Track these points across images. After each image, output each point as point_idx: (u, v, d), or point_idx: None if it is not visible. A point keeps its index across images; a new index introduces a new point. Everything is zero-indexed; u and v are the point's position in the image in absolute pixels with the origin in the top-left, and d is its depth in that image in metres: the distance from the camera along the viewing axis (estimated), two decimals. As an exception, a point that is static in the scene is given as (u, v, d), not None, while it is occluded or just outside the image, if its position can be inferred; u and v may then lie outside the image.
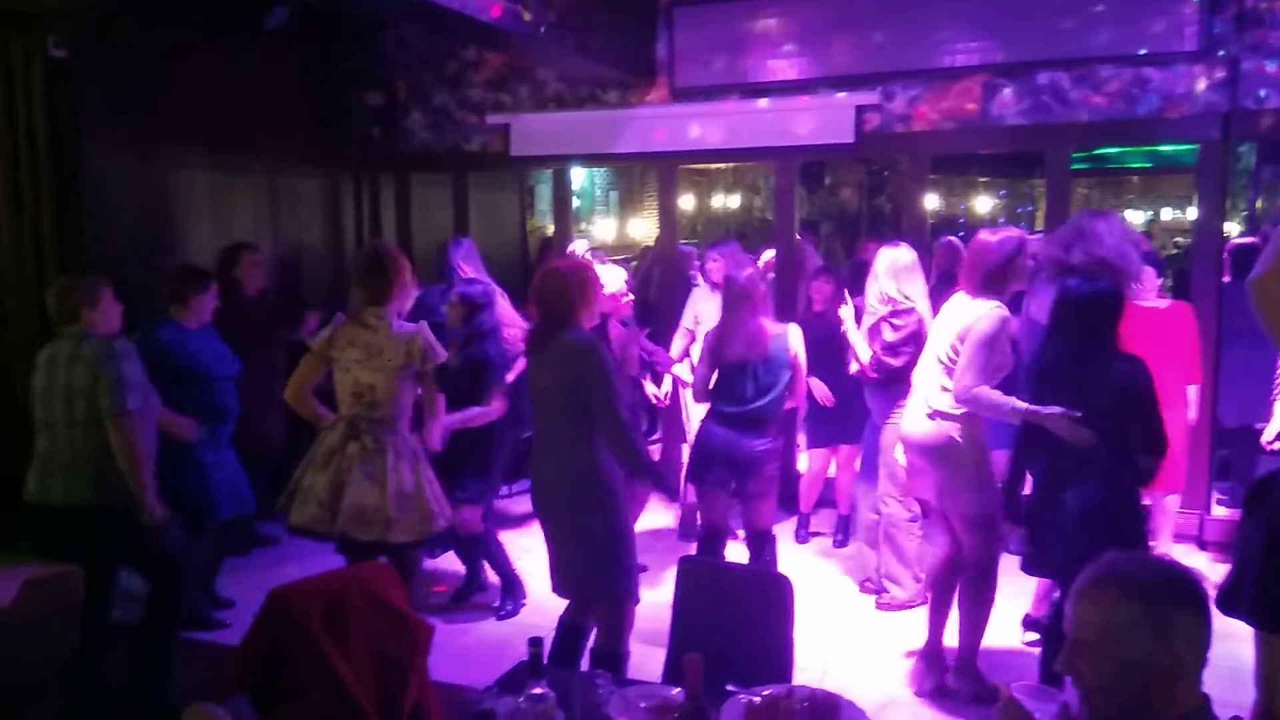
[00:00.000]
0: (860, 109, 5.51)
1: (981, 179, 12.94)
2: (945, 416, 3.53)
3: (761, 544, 4.06)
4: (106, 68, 4.90)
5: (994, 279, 3.52)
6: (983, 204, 13.17)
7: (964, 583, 3.60)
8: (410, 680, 2.31)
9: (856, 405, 4.64)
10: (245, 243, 5.18)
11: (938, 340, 3.64)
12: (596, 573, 3.12)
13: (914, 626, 4.09)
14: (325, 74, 6.38)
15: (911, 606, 4.36)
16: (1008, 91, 5.29)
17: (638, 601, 3.23)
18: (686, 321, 5.32)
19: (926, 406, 3.60)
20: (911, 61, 5.41)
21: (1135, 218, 12.48)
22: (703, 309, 5.20)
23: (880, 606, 4.48)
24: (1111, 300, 3.15)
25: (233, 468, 4.22)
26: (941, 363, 3.58)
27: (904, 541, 4.40)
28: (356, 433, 3.43)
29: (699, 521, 4.24)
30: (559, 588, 3.25)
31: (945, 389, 3.53)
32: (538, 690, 1.87)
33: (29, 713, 2.83)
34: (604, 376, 3.02)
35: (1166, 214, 12.84)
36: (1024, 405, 3.22)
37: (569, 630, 3.23)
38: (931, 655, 3.72)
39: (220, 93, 5.53)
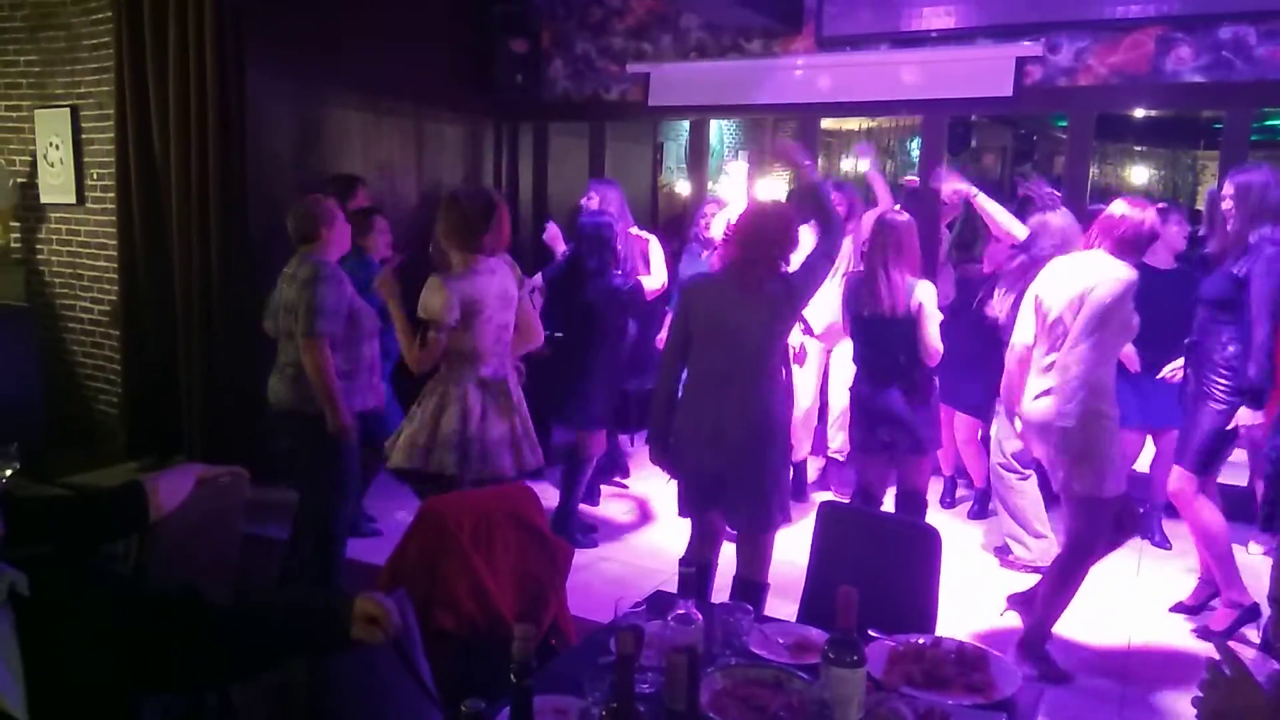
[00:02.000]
0: (1021, 61, 5.22)
1: (1138, 148, 12.17)
2: (1049, 390, 3.27)
3: (912, 506, 3.90)
4: (269, 7, 5.09)
5: (1127, 246, 3.24)
6: (1138, 175, 12.40)
7: (1056, 560, 3.42)
8: (550, 598, 2.35)
9: (986, 377, 4.31)
10: (359, 176, 5.10)
11: (1048, 307, 3.31)
12: (768, 502, 3.09)
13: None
14: (474, 19, 6.46)
15: (1036, 567, 4.14)
16: (1185, 46, 4.93)
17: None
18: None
19: (1037, 380, 3.34)
20: (1078, 11, 5.07)
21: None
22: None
23: (1004, 566, 4.37)
24: None
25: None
26: (1050, 331, 3.29)
27: (1016, 500, 4.28)
28: (516, 375, 3.50)
29: (856, 483, 4.08)
30: (707, 511, 3.20)
31: (1050, 360, 3.28)
32: (683, 611, 1.86)
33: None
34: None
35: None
36: None
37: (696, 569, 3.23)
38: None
39: (374, 34, 5.68)
